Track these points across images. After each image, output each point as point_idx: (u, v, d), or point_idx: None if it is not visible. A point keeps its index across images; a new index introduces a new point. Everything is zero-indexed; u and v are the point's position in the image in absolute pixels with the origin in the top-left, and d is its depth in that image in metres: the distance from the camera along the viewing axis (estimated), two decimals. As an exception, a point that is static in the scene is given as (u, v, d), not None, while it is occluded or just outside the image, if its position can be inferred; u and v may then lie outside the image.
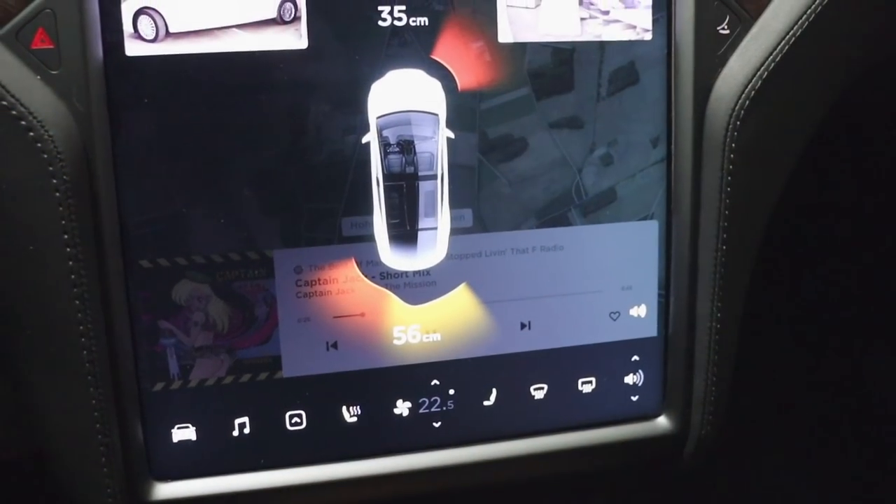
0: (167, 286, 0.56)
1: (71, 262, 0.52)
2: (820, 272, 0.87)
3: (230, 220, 0.56)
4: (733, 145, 0.59)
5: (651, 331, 0.64)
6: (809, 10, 0.59)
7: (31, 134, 0.50)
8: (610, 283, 0.63)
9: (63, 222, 0.52)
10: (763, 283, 0.66)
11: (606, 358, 0.64)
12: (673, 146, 0.61)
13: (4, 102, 0.50)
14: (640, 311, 0.64)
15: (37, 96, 0.51)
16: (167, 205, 0.55)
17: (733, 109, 0.59)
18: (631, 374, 0.65)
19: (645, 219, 0.62)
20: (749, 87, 0.59)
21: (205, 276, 0.56)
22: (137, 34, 0.53)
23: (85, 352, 0.53)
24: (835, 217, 0.84)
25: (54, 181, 0.51)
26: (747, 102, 0.59)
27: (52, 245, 0.52)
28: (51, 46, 0.51)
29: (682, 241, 0.62)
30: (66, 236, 0.52)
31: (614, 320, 0.63)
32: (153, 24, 0.53)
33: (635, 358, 0.64)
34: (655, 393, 0.65)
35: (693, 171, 0.61)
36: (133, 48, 0.53)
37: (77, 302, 0.52)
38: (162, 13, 0.53)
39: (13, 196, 0.51)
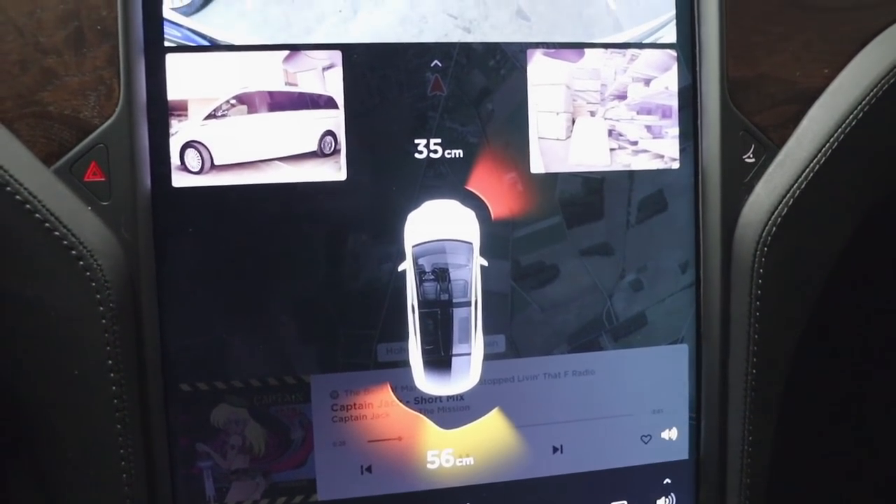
0: (206, 410, 0.57)
1: (114, 387, 0.53)
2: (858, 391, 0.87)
3: (269, 346, 0.57)
4: (761, 271, 0.60)
5: (682, 454, 0.64)
6: (832, 139, 0.61)
7: (81, 263, 0.52)
8: (641, 406, 0.63)
9: (108, 348, 0.53)
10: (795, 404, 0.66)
11: (638, 481, 0.64)
12: (702, 271, 0.62)
13: (57, 233, 0.51)
14: (671, 434, 0.64)
15: (87, 227, 0.53)
16: (208, 330, 0.57)
17: (760, 236, 0.60)
18: (663, 498, 0.65)
19: (675, 343, 0.63)
20: (775, 213, 0.60)
21: (243, 400, 0.57)
22: (184, 166, 0.55)
23: (124, 475, 0.54)
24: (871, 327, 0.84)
25: (101, 308, 0.52)
26: (774, 229, 0.60)
27: (97, 369, 0.53)
28: (102, 179, 0.53)
29: (712, 365, 0.63)
30: (110, 361, 0.53)
31: (646, 443, 0.63)
32: (199, 157, 0.55)
33: (667, 481, 0.64)
34: (688, 516, 0.65)
35: (722, 296, 0.62)
36: (180, 180, 0.55)
37: (118, 426, 0.54)
38: (208, 146, 0.56)
39: (61, 321, 0.53)
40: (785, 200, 0.60)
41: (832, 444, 0.85)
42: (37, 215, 0.51)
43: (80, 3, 0.53)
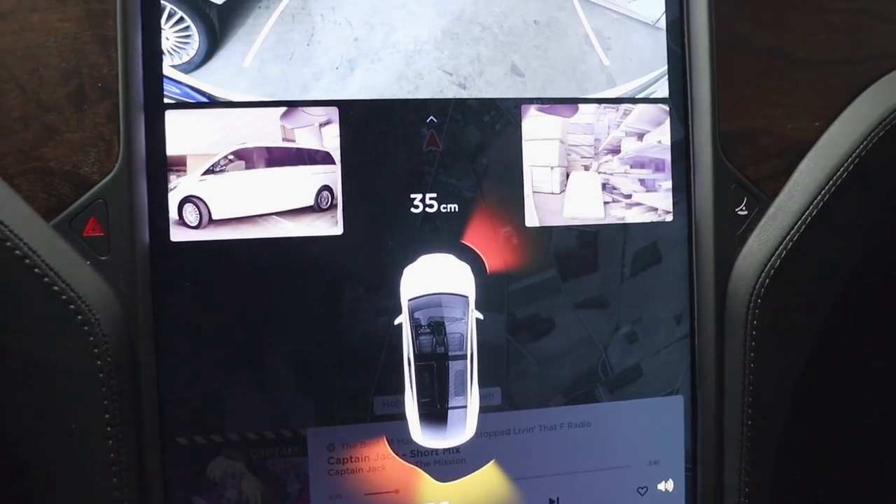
0: (203, 463, 0.58)
1: (110, 441, 0.53)
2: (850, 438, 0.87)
3: (265, 399, 0.58)
4: (755, 322, 0.60)
5: (679, 505, 0.64)
6: (823, 191, 0.61)
7: (80, 318, 0.52)
8: (637, 457, 0.63)
9: (105, 402, 0.53)
10: (792, 453, 0.66)
11: (635, 532, 0.63)
12: (696, 323, 0.63)
13: (56, 288, 0.52)
14: (667, 485, 0.64)
15: (85, 282, 0.53)
16: (205, 383, 0.57)
17: (754, 288, 0.60)
18: (660, 549, 0.64)
19: (670, 394, 0.63)
20: (768, 266, 0.60)
21: (239, 453, 0.58)
22: (182, 221, 0.56)
23: (120, 528, 0.53)
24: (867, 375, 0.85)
25: (99, 363, 0.53)
26: (767, 281, 0.60)
27: (93, 423, 0.54)
28: (101, 234, 0.54)
29: (707, 416, 0.63)
30: (107, 415, 0.53)
31: (642, 495, 0.64)
32: (197, 212, 0.56)
33: (664, 532, 0.64)
34: (685, 567, 0.65)
35: (716, 348, 0.62)
36: (178, 234, 0.56)
37: (115, 480, 0.54)
38: (206, 201, 0.56)
39: (59, 375, 0.53)
40: (777, 253, 0.61)
41: (831, 493, 0.85)
42: (36, 270, 0.52)
43: (82, 60, 0.54)
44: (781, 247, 0.61)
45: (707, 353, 0.62)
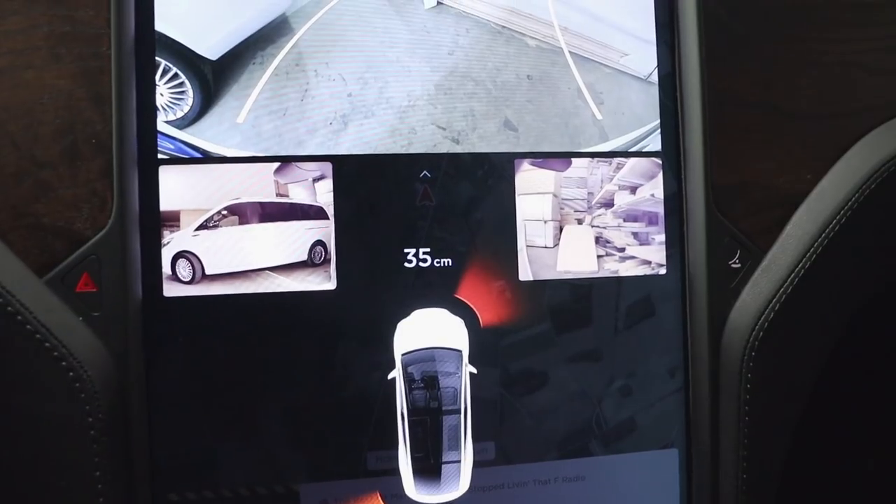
0: (194, 520, 0.56)
1: (101, 499, 0.53)
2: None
3: (258, 455, 0.57)
4: (749, 375, 0.60)
5: (675, 558, 0.64)
6: (816, 244, 0.61)
7: (71, 374, 0.52)
8: (632, 512, 0.63)
9: (96, 459, 0.53)
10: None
11: (630, 586, 0.63)
12: (690, 376, 0.62)
13: (48, 344, 0.52)
14: (663, 539, 0.63)
15: (78, 338, 0.53)
16: (198, 439, 0.57)
17: (748, 341, 0.60)
18: None
19: (665, 447, 0.63)
20: (762, 319, 0.60)
21: (232, 509, 0.57)
22: (175, 276, 0.56)
23: (109, 588, 0.53)
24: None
25: (90, 420, 0.52)
26: (761, 333, 0.60)
27: (84, 482, 0.53)
28: (94, 290, 0.54)
29: (702, 469, 0.63)
30: (97, 473, 0.53)
31: (637, 549, 0.63)
32: (190, 267, 0.56)
33: (659, 585, 0.64)
34: None
35: (711, 400, 0.62)
36: (171, 290, 0.56)
37: (105, 538, 0.53)
38: (199, 257, 0.56)
39: (49, 432, 0.53)
40: (771, 305, 0.61)
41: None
42: (28, 326, 0.52)
43: (76, 117, 0.54)
44: (775, 300, 0.61)
45: (701, 406, 0.62)
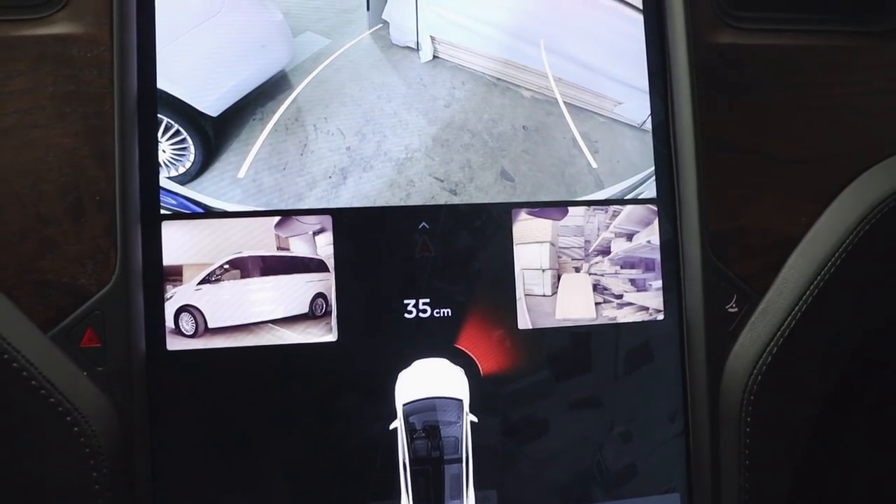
0: (197, 574, 0.57)
1: (105, 554, 0.53)
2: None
3: (260, 506, 0.57)
4: (748, 419, 0.61)
5: None
6: (812, 286, 0.62)
7: (76, 429, 0.53)
8: (636, 557, 0.63)
9: (100, 514, 0.52)
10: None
11: None
12: (690, 421, 0.63)
13: (52, 399, 0.52)
14: (666, 585, 0.64)
15: (82, 393, 0.54)
16: (201, 492, 0.58)
17: (746, 385, 0.61)
18: None
19: (667, 492, 0.63)
20: (760, 362, 0.61)
21: (234, 562, 0.57)
22: (178, 330, 0.57)
23: None
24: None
25: (94, 474, 0.53)
26: (760, 377, 0.61)
27: (88, 536, 0.53)
28: (98, 345, 0.55)
29: (704, 513, 0.62)
30: (102, 528, 0.53)
31: None
32: (193, 321, 0.57)
33: None
34: None
35: (711, 444, 0.62)
36: (174, 343, 0.57)
37: None
38: (202, 310, 0.57)
39: (53, 487, 0.53)
40: (769, 349, 0.61)
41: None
42: (33, 382, 0.52)
43: (80, 175, 0.55)
44: (773, 343, 0.61)
45: (702, 450, 0.63)
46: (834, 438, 0.68)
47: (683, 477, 0.63)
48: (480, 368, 0.60)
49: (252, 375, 0.57)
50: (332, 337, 0.58)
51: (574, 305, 0.61)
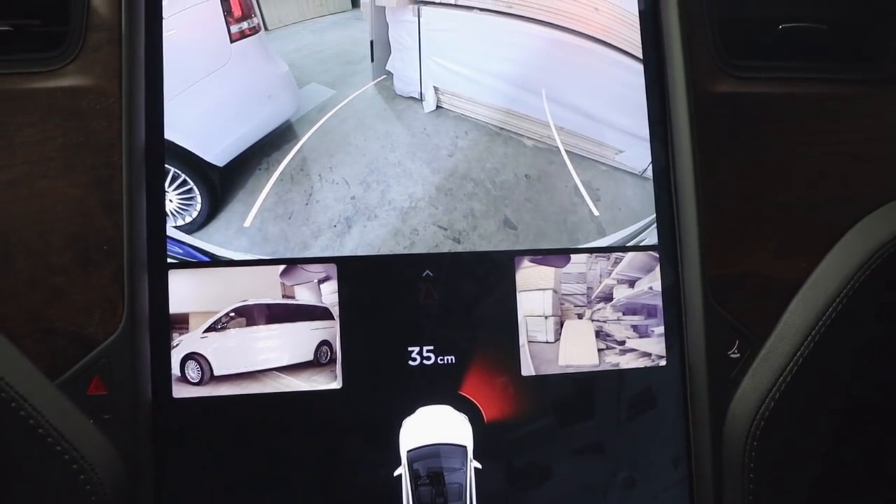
0: None
1: None
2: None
3: (265, 555, 0.57)
4: (752, 465, 0.61)
5: None
6: (814, 331, 0.62)
7: (82, 477, 0.53)
8: None
9: (105, 563, 0.53)
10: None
11: None
12: (693, 466, 0.63)
13: (59, 447, 0.53)
14: None
15: (88, 441, 0.54)
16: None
17: (749, 430, 0.61)
18: None
19: (671, 538, 0.63)
20: (763, 407, 0.61)
21: None
22: (184, 378, 0.57)
23: None
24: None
25: (101, 522, 0.53)
26: (762, 423, 0.61)
27: (94, 584, 0.53)
28: (104, 393, 0.55)
29: (709, 560, 0.62)
30: (107, 577, 0.53)
31: None
32: (199, 369, 0.57)
33: None
34: None
35: (714, 490, 0.62)
36: (180, 391, 0.57)
37: None
38: (208, 358, 0.58)
39: (60, 535, 0.53)
40: (771, 394, 0.61)
41: None
42: (40, 430, 0.53)
43: (88, 225, 0.56)
44: (775, 388, 0.61)
45: (706, 496, 0.63)
46: (837, 484, 0.68)
47: (687, 523, 0.63)
48: (484, 415, 0.60)
49: (258, 423, 0.57)
50: (336, 384, 0.58)
51: (577, 352, 0.62)
